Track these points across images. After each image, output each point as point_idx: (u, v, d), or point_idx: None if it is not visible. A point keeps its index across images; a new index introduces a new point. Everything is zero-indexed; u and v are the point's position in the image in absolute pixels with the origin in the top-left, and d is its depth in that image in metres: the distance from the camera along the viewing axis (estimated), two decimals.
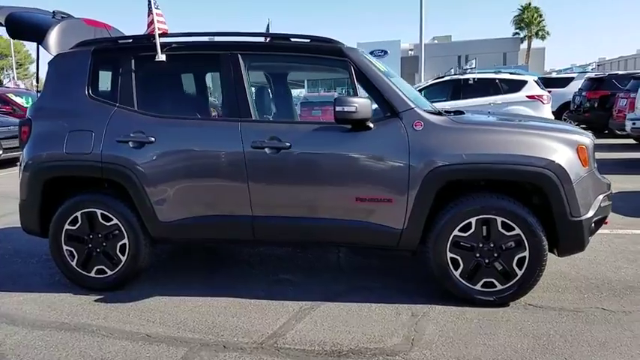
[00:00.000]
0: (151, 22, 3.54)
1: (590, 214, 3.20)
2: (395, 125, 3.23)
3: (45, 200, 3.61)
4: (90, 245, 3.59)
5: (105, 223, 3.55)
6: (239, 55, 3.45)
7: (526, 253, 3.18)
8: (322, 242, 3.59)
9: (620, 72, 15.14)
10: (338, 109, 3.11)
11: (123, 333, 3.03)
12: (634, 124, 8.82)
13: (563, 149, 3.16)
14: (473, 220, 3.20)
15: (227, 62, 3.45)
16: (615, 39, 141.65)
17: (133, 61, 3.56)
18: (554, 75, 20.05)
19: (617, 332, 2.91)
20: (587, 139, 3.29)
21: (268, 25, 4.84)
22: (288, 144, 3.28)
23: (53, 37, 3.69)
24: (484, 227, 3.20)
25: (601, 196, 3.30)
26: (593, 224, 3.26)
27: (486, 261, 3.24)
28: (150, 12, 3.55)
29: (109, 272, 3.60)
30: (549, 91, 11.96)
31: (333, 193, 3.32)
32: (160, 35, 3.48)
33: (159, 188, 3.42)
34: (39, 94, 3.73)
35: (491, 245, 3.22)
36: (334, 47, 3.42)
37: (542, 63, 48.94)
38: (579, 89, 14.07)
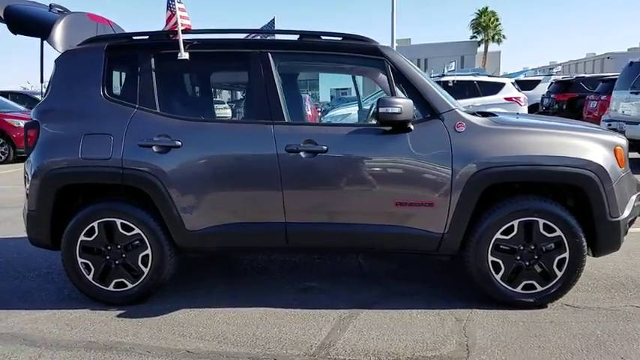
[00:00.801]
0: (170, 18, 3.35)
1: (626, 214, 3.24)
2: (436, 127, 3.17)
3: (57, 210, 3.35)
4: (108, 257, 3.36)
5: (125, 233, 3.32)
6: (269, 54, 3.31)
7: (566, 255, 3.18)
8: (358, 249, 3.47)
9: (587, 75, 15.73)
10: (382, 110, 3.01)
11: (161, 350, 2.83)
12: (609, 124, 9.13)
13: (602, 150, 3.18)
14: (515, 222, 3.17)
15: (257, 61, 3.30)
16: (565, 43, 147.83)
17: (152, 59, 3.35)
18: (522, 77, 20.65)
19: None
20: (622, 140, 3.33)
21: (273, 21, 4.71)
22: (325, 147, 3.16)
23: (59, 32, 3.44)
24: (525, 230, 3.18)
25: (634, 196, 3.34)
26: (627, 224, 3.29)
27: (527, 263, 3.21)
28: (168, 7, 3.36)
29: (130, 285, 3.38)
30: None
31: (372, 198, 3.22)
32: (183, 32, 3.29)
33: (186, 195, 3.23)
34: (46, 94, 3.45)
35: (532, 247, 3.20)
36: (370, 46, 3.32)
37: (498, 66, 50.49)
38: (547, 92, 14.53)
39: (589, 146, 3.17)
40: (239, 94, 3.46)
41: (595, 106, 11.41)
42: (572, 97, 13.38)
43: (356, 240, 3.31)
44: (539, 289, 3.24)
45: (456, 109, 3.22)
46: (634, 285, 3.61)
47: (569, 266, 3.19)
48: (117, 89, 3.39)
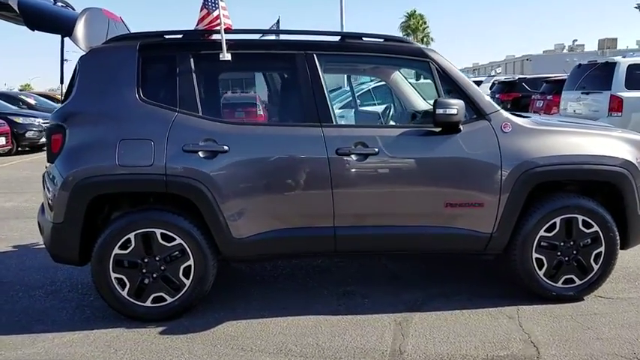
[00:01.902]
0: (205, 17, 3.18)
1: None
2: (484, 127, 3.22)
3: (87, 222, 3.08)
4: (144, 270, 3.13)
5: (165, 244, 3.10)
6: (315, 55, 3.22)
7: (602, 249, 3.34)
8: (406, 251, 3.46)
9: (529, 76, 16.64)
10: (440, 111, 3.02)
11: None
12: None
13: (631, 149, 3.36)
14: (558, 219, 3.29)
15: (302, 63, 3.20)
16: (485, 46, 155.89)
17: (191, 59, 3.16)
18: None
19: None
20: None
21: (278, 21, 4.61)
22: (376, 149, 3.13)
23: (81, 29, 3.16)
24: (566, 226, 3.30)
25: None
26: None
27: (566, 258, 3.35)
28: (205, 6, 3.18)
29: (170, 299, 3.16)
30: None
31: (422, 200, 3.22)
32: (222, 32, 3.13)
33: (234, 202, 3.08)
34: (71, 95, 3.15)
35: (572, 243, 3.33)
36: (415, 48, 3.32)
37: None
38: (492, 92, 15.22)
39: (620, 145, 3.36)
40: (279, 96, 3.32)
41: (541, 105, 12.11)
42: (517, 97, 14.14)
43: (405, 242, 3.30)
44: (578, 282, 3.38)
45: (500, 110, 3.29)
46: None
47: (604, 260, 3.36)
48: (154, 91, 3.15)
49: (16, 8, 3.07)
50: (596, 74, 9.40)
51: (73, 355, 2.83)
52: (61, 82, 3.30)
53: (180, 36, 3.28)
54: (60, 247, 3.14)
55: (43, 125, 12.50)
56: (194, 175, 3.02)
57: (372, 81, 8.45)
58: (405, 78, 4.49)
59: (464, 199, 3.21)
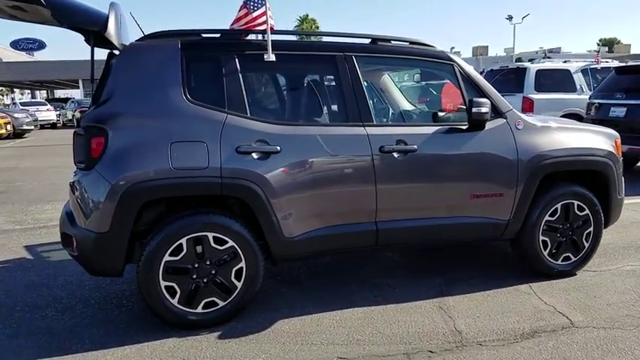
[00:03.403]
0: (244, 16, 3.19)
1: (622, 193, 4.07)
2: (502, 125, 3.58)
3: (135, 229, 2.94)
4: (195, 276, 3.05)
5: (218, 247, 3.06)
6: (353, 57, 3.35)
7: (591, 229, 3.87)
8: (438, 242, 3.70)
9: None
10: (475, 110, 3.32)
11: None
12: None
13: (609, 142, 3.94)
14: (559, 205, 3.75)
15: (343, 64, 3.32)
16: None
17: (237, 59, 3.13)
18: None
19: None
20: (617, 133, 4.14)
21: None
22: (415, 147, 3.35)
23: (113, 24, 3.00)
24: (565, 211, 3.78)
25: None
26: None
27: (564, 239, 3.83)
28: (246, 5, 3.18)
29: (221, 304, 3.12)
30: None
31: (454, 192, 3.50)
32: (260, 32, 3.16)
33: (286, 202, 3.11)
34: (109, 96, 2.97)
35: (569, 225, 3.82)
36: (440, 52, 3.59)
37: None
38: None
39: (604, 139, 3.92)
40: (321, 97, 3.37)
41: None
42: None
43: (438, 233, 3.56)
44: (573, 259, 3.88)
45: (513, 110, 3.68)
46: (614, 250, 4.47)
47: (593, 238, 3.89)
48: (199, 92, 3.07)
49: (43, 1, 2.83)
50: (507, 78, 10.46)
51: None
52: (92, 81, 3.09)
53: (217, 35, 3.23)
54: (103, 258, 2.95)
55: None
56: (249, 176, 3.01)
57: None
58: (393, 81, 4.77)
59: (488, 190, 3.54)
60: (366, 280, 3.89)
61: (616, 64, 10.37)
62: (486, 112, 3.35)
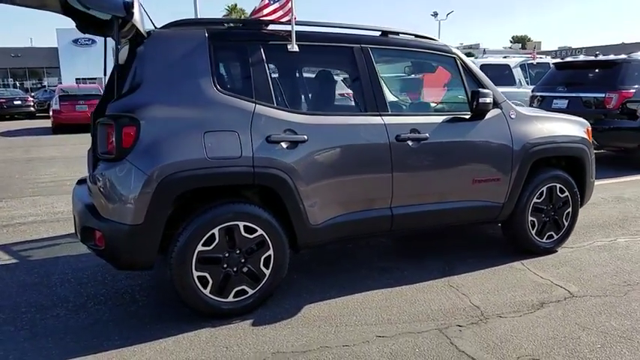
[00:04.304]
0: (265, 6, 3.23)
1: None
2: (499, 114, 3.85)
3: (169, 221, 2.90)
4: (226, 265, 3.06)
5: (248, 236, 3.08)
6: (369, 49, 3.47)
7: (570, 209, 4.27)
8: (443, 226, 3.91)
9: None
10: (482, 100, 3.56)
11: (356, 343, 2.84)
12: None
13: (583, 130, 4.35)
14: (544, 188, 4.10)
15: (360, 55, 3.43)
16: None
17: (262, 50, 3.15)
18: None
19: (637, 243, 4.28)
20: (587, 122, 4.56)
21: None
22: (426, 135, 3.53)
23: (138, 10, 2.93)
24: (549, 193, 4.14)
25: None
26: None
27: (548, 219, 4.19)
28: None
29: (251, 292, 3.15)
30: None
31: (458, 178, 3.73)
32: (281, 22, 3.20)
33: (312, 190, 3.19)
34: (138, 85, 2.89)
35: (552, 206, 4.18)
36: (443, 45, 3.80)
37: None
38: None
39: (579, 127, 4.32)
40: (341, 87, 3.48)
41: None
42: None
43: (444, 217, 3.78)
44: (555, 237, 4.26)
45: (507, 100, 3.96)
46: (581, 229, 4.88)
47: (571, 217, 4.29)
48: (228, 81, 3.07)
49: None
50: None
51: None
52: (105, 74, 2.99)
53: (240, 25, 3.23)
54: (136, 251, 2.88)
55: None
56: (279, 165, 3.06)
57: None
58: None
59: (487, 175, 3.81)
60: (372, 264, 4.04)
61: (549, 59, 11.23)
62: (490, 103, 3.60)
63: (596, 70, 8.13)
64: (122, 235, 2.84)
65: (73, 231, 5.00)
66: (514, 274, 3.84)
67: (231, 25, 3.21)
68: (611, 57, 8.42)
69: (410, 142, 3.48)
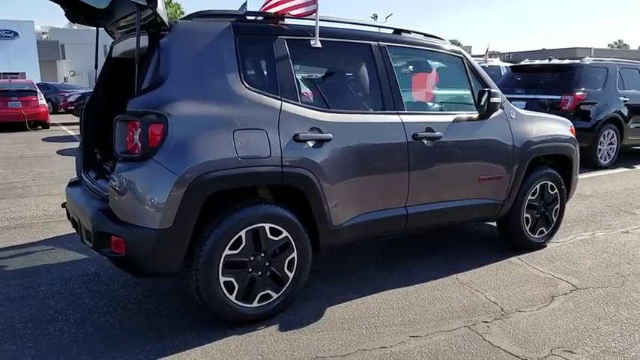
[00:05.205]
0: (282, 1, 3.13)
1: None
2: (501, 114, 3.94)
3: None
4: (251, 269, 2.93)
5: (274, 238, 2.97)
6: (386, 47, 3.45)
7: (558, 205, 4.46)
8: (448, 224, 3.95)
9: None
10: (494, 100, 3.64)
11: (398, 342, 2.82)
12: None
13: (568, 129, 4.56)
14: (538, 186, 4.26)
15: (378, 53, 3.40)
16: None
17: (286, 45, 3.04)
18: None
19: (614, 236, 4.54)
20: (570, 122, 4.78)
21: (245, 4, 4.58)
22: (440, 134, 3.56)
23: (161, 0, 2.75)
24: (541, 190, 4.30)
25: None
26: None
27: (539, 215, 4.36)
28: None
29: (275, 296, 3.04)
30: None
31: (467, 176, 3.79)
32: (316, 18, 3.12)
33: (335, 190, 3.12)
34: (164, 80, 2.69)
35: (543, 203, 4.36)
36: (451, 45, 3.84)
37: None
38: None
39: (565, 126, 4.52)
40: (360, 85, 3.39)
41: None
42: None
43: (451, 215, 3.82)
44: (546, 232, 4.44)
45: (507, 101, 4.07)
46: (562, 225, 5.06)
47: (559, 213, 4.49)
48: (253, 78, 2.93)
49: None
50: None
51: None
52: (136, 62, 2.77)
53: (260, 18, 3.10)
54: (162, 257, 2.69)
55: None
56: (306, 165, 2.97)
57: None
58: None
59: (491, 173, 3.89)
60: (377, 264, 4.03)
61: (497, 62, 11.73)
62: (499, 102, 3.69)
63: (553, 74, 8.58)
64: (148, 240, 2.63)
65: (42, 238, 4.68)
66: (515, 269, 3.95)
67: (255, 18, 3.07)
68: (567, 61, 8.92)
69: (425, 141, 3.49)
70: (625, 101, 8.52)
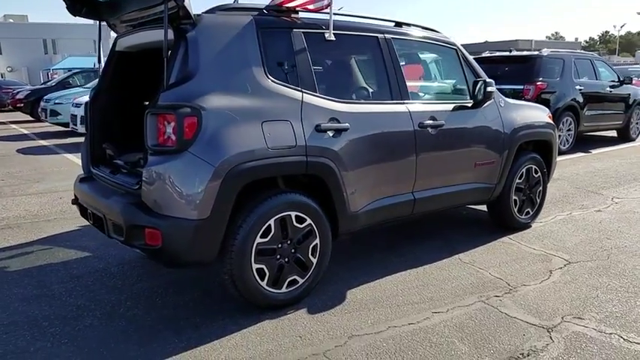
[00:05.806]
0: None
1: None
2: (492, 103, 4.19)
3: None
4: (279, 256, 3.04)
5: (299, 225, 3.08)
6: (392, 39, 3.61)
7: (541, 188, 4.79)
8: (449, 208, 4.16)
9: None
10: (490, 89, 3.87)
11: (423, 318, 3.00)
12: None
13: (548, 115, 4.88)
14: (524, 169, 4.55)
15: (385, 45, 3.55)
16: None
17: (303, 37, 3.15)
18: None
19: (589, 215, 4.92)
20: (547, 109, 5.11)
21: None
22: (443, 122, 3.77)
23: None
24: (527, 174, 4.60)
25: None
26: None
27: (525, 197, 4.67)
28: None
29: (301, 281, 3.15)
30: None
31: (466, 162, 4.01)
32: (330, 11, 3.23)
33: (353, 177, 3.26)
34: (195, 73, 2.74)
35: (528, 185, 4.66)
36: (446, 37, 4.04)
37: None
38: None
39: (545, 113, 4.84)
40: (370, 76, 3.52)
41: None
42: None
43: (451, 200, 4.05)
44: (531, 213, 4.75)
45: (496, 90, 4.33)
46: (549, 203, 5.44)
47: (542, 195, 4.81)
48: (275, 70, 3.02)
49: None
50: None
51: (270, 353, 2.64)
52: (164, 56, 2.79)
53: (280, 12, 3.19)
54: (200, 246, 2.75)
55: None
56: (327, 154, 3.09)
57: None
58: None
59: (486, 158, 4.14)
60: (382, 248, 4.20)
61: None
62: (493, 91, 3.93)
63: (514, 64, 9.02)
64: (186, 231, 2.69)
65: (35, 238, 4.58)
66: (509, 247, 4.23)
67: (273, 12, 3.15)
68: (527, 52, 9.39)
69: (430, 129, 3.68)
70: (580, 89, 9.07)
